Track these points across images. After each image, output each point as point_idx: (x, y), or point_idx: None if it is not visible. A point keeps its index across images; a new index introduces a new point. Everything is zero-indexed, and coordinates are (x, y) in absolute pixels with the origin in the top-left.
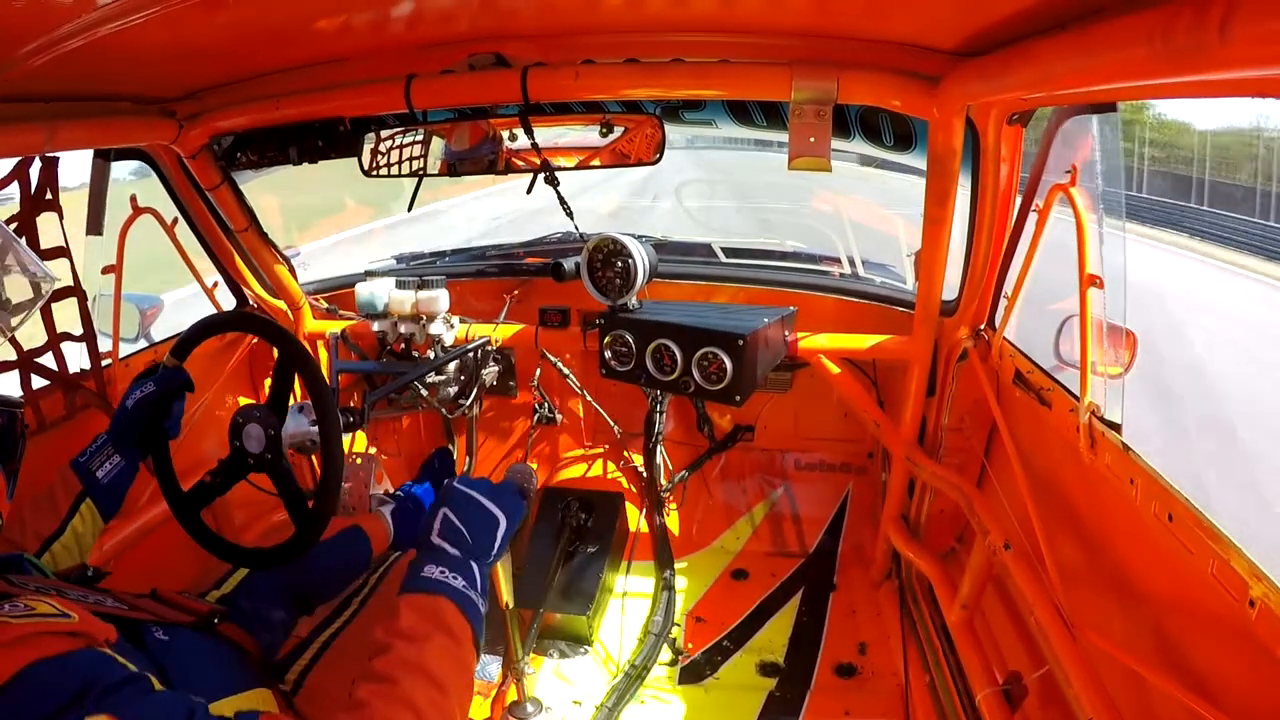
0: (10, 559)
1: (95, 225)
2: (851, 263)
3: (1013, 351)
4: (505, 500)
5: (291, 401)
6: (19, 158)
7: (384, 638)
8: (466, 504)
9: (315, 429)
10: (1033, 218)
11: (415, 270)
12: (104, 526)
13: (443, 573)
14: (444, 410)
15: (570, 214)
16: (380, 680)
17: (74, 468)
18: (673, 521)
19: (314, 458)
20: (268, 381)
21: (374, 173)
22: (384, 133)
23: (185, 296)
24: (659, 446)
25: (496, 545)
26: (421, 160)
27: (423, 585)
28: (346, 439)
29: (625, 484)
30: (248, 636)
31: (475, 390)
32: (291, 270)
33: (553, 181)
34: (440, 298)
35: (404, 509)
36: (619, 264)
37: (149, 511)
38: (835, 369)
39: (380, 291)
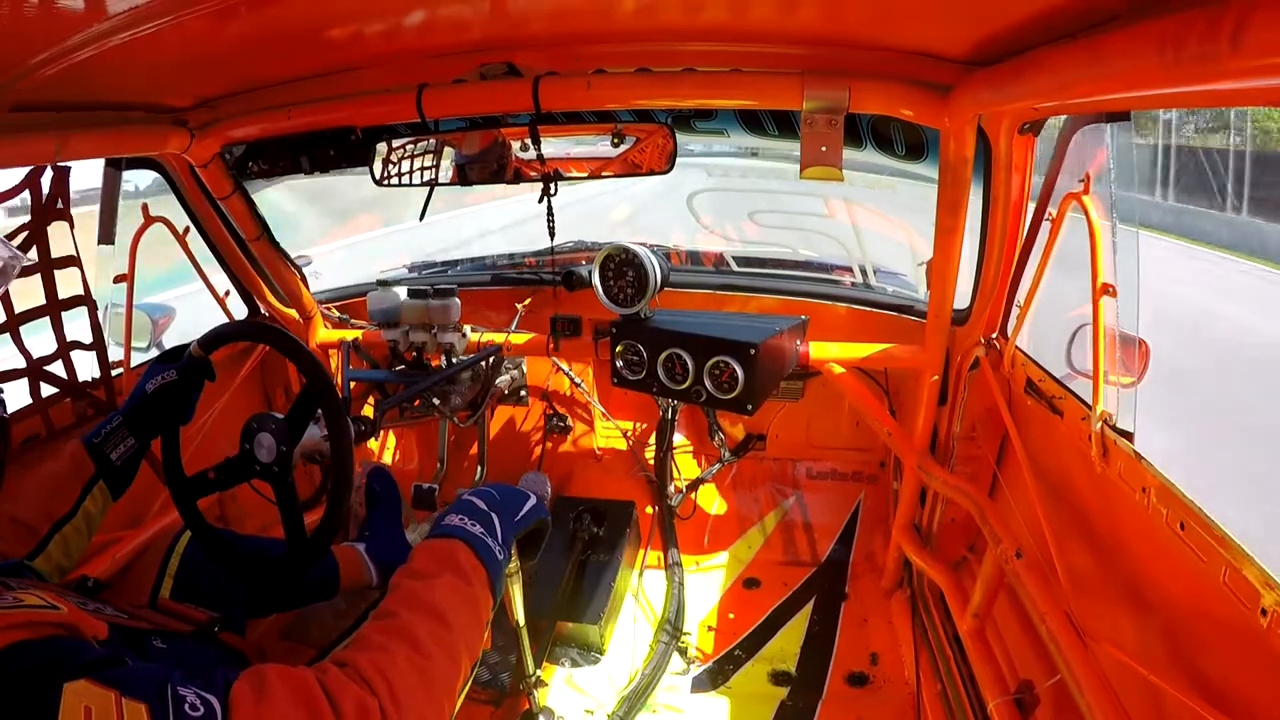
0: (9, 565)
1: (107, 234)
2: (863, 271)
3: (1025, 360)
4: (529, 491)
5: None
6: (30, 167)
7: (395, 580)
8: (497, 486)
9: (326, 442)
10: (1046, 226)
11: (427, 279)
12: (112, 503)
13: (462, 520)
14: (455, 419)
15: (552, 231)
16: (382, 616)
17: (88, 449)
18: (684, 530)
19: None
20: (279, 390)
21: (385, 182)
22: (395, 142)
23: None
24: (670, 455)
25: (524, 511)
26: (433, 170)
27: (439, 531)
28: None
29: (637, 493)
30: (249, 644)
31: (487, 399)
32: (303, 279)
33: (548, 193)
34: (452, 306)
35: (378, 545)
36: (630, 273)
37: (159, 523)
38: (847, 377)
39: (392, 300)
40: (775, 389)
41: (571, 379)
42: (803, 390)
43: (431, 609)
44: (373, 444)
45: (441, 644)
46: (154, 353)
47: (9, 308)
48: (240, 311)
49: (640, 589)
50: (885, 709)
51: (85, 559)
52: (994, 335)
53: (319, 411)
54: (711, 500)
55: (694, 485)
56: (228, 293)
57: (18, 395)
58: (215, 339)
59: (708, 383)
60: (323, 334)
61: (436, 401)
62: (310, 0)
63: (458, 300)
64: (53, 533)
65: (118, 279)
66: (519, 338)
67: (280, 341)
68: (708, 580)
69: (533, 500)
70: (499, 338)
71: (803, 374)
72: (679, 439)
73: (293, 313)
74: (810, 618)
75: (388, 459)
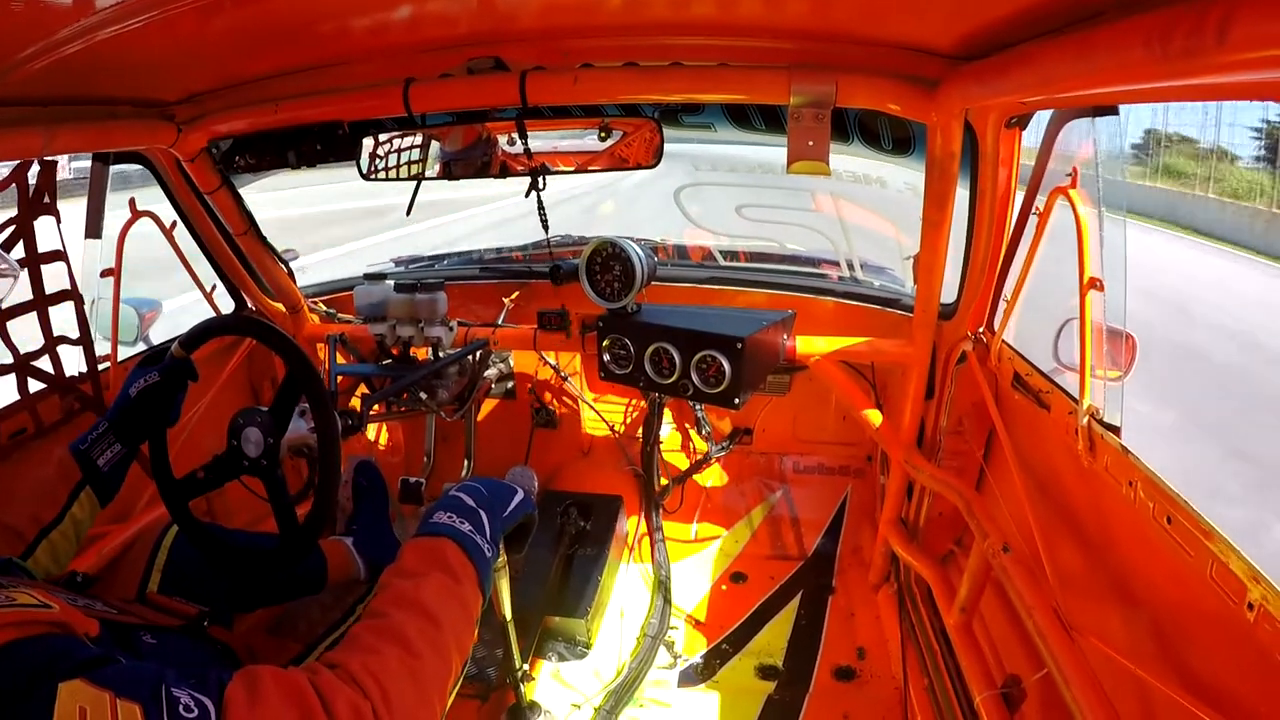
0: None
1: (94, 228)
2: (850, 266)
3: (1011, 354)
4: (515, 486)
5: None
6: (17, 161)
7: (384, 579)
8: (483, 480)
9: (313, 435)
10: (1033, 220)
11: (414, 273)
12: (100, 510)
13: (450, 517)
14: (442, 413)
15: (545, 224)
16: (372, 616)
17: (74, 455)
18: (671, 524)
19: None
20: (266, 384)
21: (372, 176)
22: (382, 136)
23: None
24: (657, 449)
25: (511, 506)
26: (420, 164)
27: (428, 529)
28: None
29: (624, 487)
30: (236, 638)
31: (473, 393)
32: (290, 273)
33: (536, 187)
34: (439, 301)
35: (365, 539)
36: (617, 267)
37: (146, 517)
38: (834, 371)
39: (379, 295)
40: (762, 383)
41: (558, 373)
42: (789, 384)
43: (421, 609)
44: (369, 435)
45: (432, 644)
46: (141, 347)
47: None
48: (227, 306)
49: (627, 583)
50: (872, 703)
51: None
52: (981, 329)
53: (305, 406)
54: (698, 494)
55: (681, 479)
56: (214, 287)
57: (5, 391)
58: (196, 336)
59: (695, 377)
60: (310, 328)
61: (423, 396)
62: None
63: (444, 294)
64: (40, 538)
65: (104, 273)
66: (506, 332)
67: (260, 332)
68: (695, 574)
69: (520, 495)
70: (486, 332)
71: (790, 368)
72: (666, 433)
73: (280, 307)
74: (797, 612)
75: (375, 453)
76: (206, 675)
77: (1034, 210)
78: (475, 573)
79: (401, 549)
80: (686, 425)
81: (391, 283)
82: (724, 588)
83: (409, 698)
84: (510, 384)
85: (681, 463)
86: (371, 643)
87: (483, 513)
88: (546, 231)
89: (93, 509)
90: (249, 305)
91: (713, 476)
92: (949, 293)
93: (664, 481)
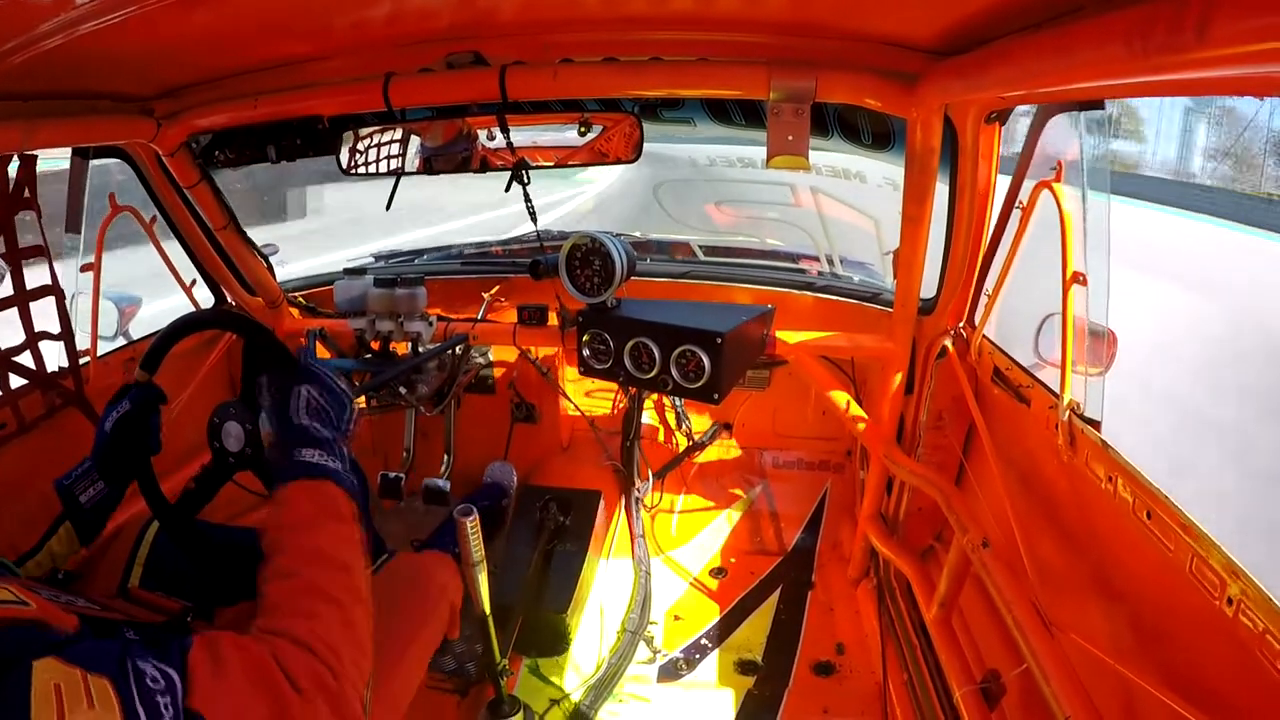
0: None
1: (74, 223)
2: (830, 261)
3: (992, 349)
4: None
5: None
6: None
7: (279, 533)
8: (322, 382)
9: None
10: (1015, 215)
11: (393, 268)
12: (80, 549)
13: (320, 455)
14: (422, 408)
15: (534, 215)
16: (285, 576)
17: (57, 490)
18: (650, 519)
19: None
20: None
21: (352, 171)
22: (362, 131)
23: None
24: (637, 444)
25: (350, 424)
26: (400, 159)
27: (307, 470)
28: None
29: (603, 482)
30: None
31: (453, 388)
32: (270, 268)
33: (520, 180)
34: (418, 296)
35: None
36: (597, 262)
37: (127, 511)
38: (813, 366)
39: (358, 289)
40: (742, 378)
41: (538, 368)
42: (769, 379)
43: (330, 560)
44: None
45: (351, 591)
46: (121, 341)
47: None
48: (206, 301)
49: (606, 578)
50: (852, 698)
51: None
52: (961, 324)
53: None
54: (678, 489)
55: (661, 474)
56: (194, 282)
57: None
58: (154, 354)
59: (674, 372)
60: (289, 323)
61: (403, 390)
62: None
63: (424, 289)
64: (17, 566)
65: (84, 268)
66: (485, 327)
67: (214, 320)
68: (674, 569)
69: (350, 404)
70: (465, 327)
71: (769, 363)
72: (645, 428)
73: (259, 302)
74: (776, 607)
75: (353, 448)
76: (169, 645)
77: (1017, 204)
78: (356, 510)
79: (285, 493)
80: (666, 420)
81: (371, 277)
82: (703, 583)
83: (353, 650)
84: (490, 379)
85: (661, 457)
86: (306, 605)
87: (342, 446)
88: (535, 224)
89: (72, 546)
90: (229, 300)
91: (692, 471)
92: (929, 288)
93: (644, 476)
